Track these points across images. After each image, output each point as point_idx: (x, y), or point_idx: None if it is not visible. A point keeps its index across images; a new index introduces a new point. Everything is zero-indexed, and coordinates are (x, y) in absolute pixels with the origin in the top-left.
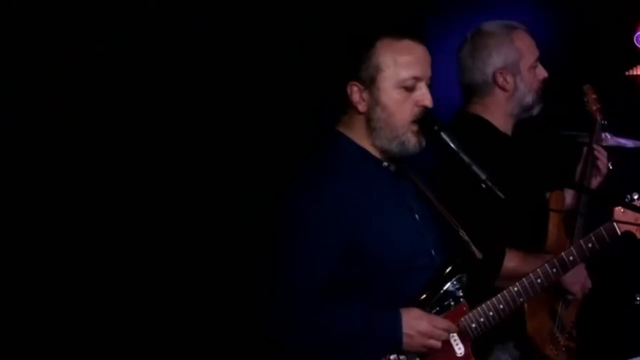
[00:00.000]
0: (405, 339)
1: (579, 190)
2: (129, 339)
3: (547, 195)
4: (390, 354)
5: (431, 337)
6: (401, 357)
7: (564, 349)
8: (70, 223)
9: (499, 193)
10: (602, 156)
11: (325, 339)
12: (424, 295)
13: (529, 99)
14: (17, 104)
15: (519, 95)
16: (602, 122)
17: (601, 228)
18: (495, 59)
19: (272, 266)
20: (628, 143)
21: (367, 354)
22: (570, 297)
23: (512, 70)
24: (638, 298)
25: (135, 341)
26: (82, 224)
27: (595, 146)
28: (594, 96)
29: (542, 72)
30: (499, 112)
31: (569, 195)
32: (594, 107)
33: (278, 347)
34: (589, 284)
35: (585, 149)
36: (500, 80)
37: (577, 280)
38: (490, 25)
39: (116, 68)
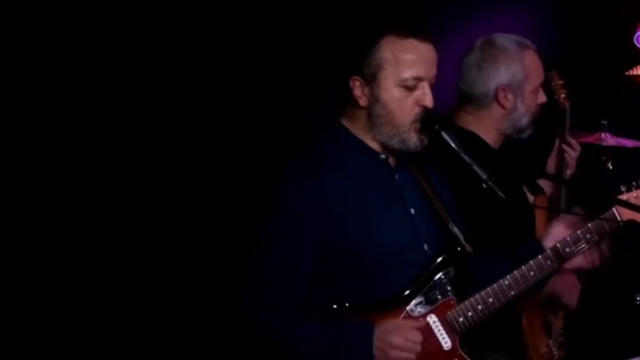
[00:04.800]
0: (376, 352)
1: (559, 182)
2: (128, 338)
3: (533, 198)
4: None
5: (404, 350)
6: None
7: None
8: (70, 223)
9: (500, 193)
10: (574, 147)
11: (291, 345)
12: (411, 289)
13: (524, 120)
14: (17, 103)
15: (516, 115)
16: (570, 109)
17: (600, 217)
18: (502, 74)
19: (248, 252)
20: (628, 143)
21: None
22: (565, 308)
23: (515, 90)
24: (638, 298)
25: (134, 340)
26: (81, 224)
27: (567, 137)
28: (560, 82)
29: (542, 97)
30: (491, 128)
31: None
32: (562, 95)
33: (241, 332)
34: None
35: (557, 140)
36: (501, 97)
37: (571, 290)
38: (503, 39)
39: (116, 68)
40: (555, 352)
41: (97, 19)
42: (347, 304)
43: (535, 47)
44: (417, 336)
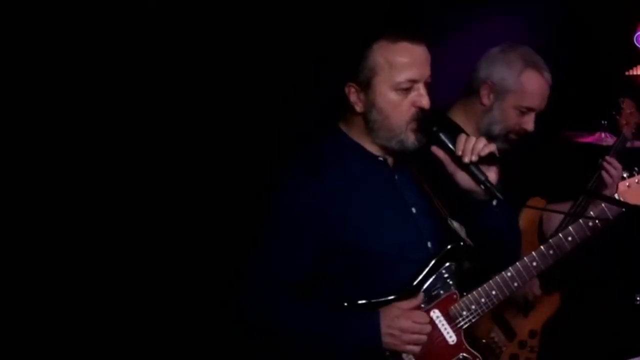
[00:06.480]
0: (386, 339)
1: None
2: (128, 338)
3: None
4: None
5: (413, 332)
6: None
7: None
8: (70, 223)
9: (498, 194)
10: (614, 167)
11: (296, 333)
12: (412, 285)
13: (495, 128)
14: (17, 103)
15: (488, 118)
16: (629, 140)
17: (603, 204)
18: (494, 72)
19: (248, 252)
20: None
21: (344, 354)
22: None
23: (499, 93)
24: (638, 298)
25: (134, 340)
26: (82, 225)
27: (609, 158)
28: (630, 111)
29: (528, 123)
30: (471, 120)
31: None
32: (627, 122)
33: (242, 332)
34: (537, 289)
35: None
36: (483, 91)
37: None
38: (521, 49)
39: (117, 69)
40: (500, 345)
41: (97, 19)
42: (359, 302)
43: (547, 77)
44: (424, 317)
